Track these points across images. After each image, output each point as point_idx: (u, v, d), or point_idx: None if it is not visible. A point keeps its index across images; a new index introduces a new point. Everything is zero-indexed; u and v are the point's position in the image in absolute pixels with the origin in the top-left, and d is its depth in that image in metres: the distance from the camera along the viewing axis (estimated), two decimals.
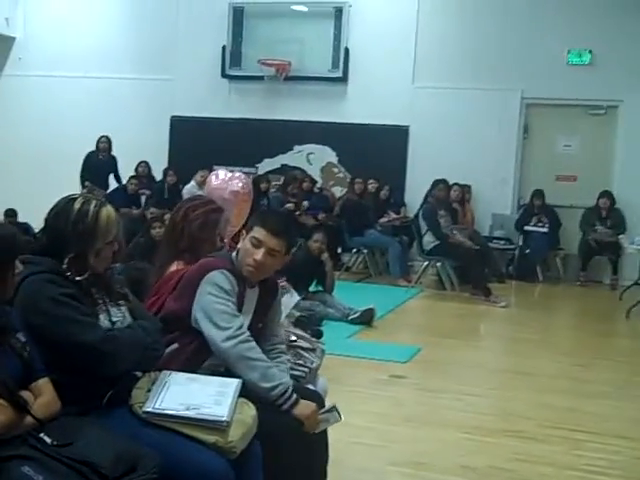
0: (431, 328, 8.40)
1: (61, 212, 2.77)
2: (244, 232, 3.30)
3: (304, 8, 12.78)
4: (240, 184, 6.34)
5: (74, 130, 12.91)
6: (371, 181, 11.88)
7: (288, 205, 11.51)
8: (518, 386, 6.12)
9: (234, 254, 3.29)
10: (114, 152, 12.50)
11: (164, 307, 3.20)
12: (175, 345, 3.05)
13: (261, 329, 3.29)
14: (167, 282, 3.40)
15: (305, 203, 11.84)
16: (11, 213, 10.19)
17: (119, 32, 13.37)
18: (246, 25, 13.05)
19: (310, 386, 3.39)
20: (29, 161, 13.24)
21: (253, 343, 3.09)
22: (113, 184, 12.56)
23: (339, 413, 3.19)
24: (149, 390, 2.77)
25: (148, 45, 13.17)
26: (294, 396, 3.10)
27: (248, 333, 3.10)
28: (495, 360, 7.28)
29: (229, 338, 3.03)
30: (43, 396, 2.46)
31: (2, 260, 2.42)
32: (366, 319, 7.93)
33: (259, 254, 3.17)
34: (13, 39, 13.63)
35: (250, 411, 2.83)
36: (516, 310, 9.59)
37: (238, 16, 12.98)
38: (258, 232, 3.19)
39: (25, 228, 7.71)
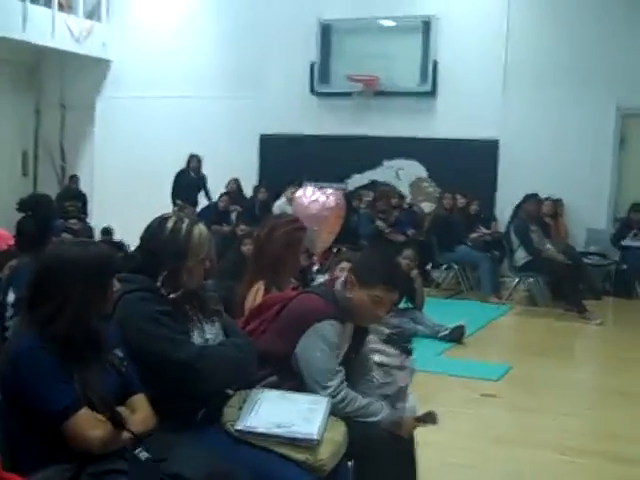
0: (523, 346, 8.25)
1: (154, 231, 2.85)
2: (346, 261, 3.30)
3: (392, 23, 12.79)
4: (334, 200, 6.38)
5: (166, 149, 13.22)
6: (460, 196, 11.76)
7: (378, 223, 11.49)
8: (616, 406, 5.93)
9: (338, 286, 3.26)
10: (204, 170, 12.74)
11: (264, 340, 3.16)
12: (274, 378, 3.07)
13: (355, 358, 3.30)
14: (268, 308, 3.34)
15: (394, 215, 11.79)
16: (107, 232, 10.48)
17: (209, 53, 13.65)
18: (334, 41, 13.15)
19: (399, 404, 3.38)
20: (125, 180, 13.62)
21: (349, 396, 3.06)
22: (202, 202, 12.78)
23: (435, 417, 3.25)
24: (240, 408, 2.81)
25: (237, 64, 13.40)
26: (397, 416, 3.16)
27: (345, 390, 3.07)
28: (590, 379, 7.09)
29: (329, 396, 3.01)
30: (139, 412, 2.52)
31: (100, 278, 2.50)
32: (456, 336, 7.84)
33: (383, 311, 3.20)
34: (109, 62, 14.08)
35: (340, 429, 2.84)
36: (612, 328, 9.31)
37: (326, 32, 13.08)
38: (380, 291, 3.14)
39: (121, 247, 7.90)
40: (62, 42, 12.65)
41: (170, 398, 2.65)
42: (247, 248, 7.36)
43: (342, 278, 3.32)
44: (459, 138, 12.27)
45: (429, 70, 12.56)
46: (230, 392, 2.89)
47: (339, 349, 3.14)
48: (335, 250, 8.38)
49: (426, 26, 12.57)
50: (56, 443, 2.34)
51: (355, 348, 3.29)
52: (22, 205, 5.00)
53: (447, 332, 7.84)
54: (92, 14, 13.58)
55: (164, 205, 10.25)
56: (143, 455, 2.35)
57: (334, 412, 2.96)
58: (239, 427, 2.72)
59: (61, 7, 12.66)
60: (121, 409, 2.46)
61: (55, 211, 6.89)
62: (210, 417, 2.77)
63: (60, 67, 13.99)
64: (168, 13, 13.88)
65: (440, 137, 12.41)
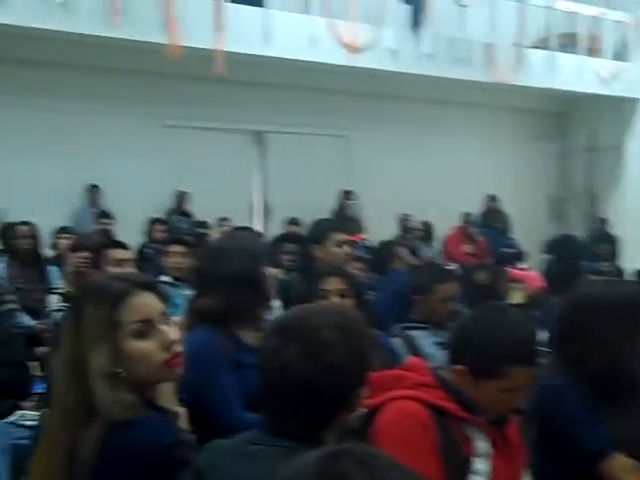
0: None
1: None
2: None
3: None
4: None
5: None
6: None
7: None
8: None
9: None
10: None
11: None
12: None
13: None
14: None
15: None
16: None
17: None
18: None
19: None
20: None
21: None
22: None
23: None
24: None
25: None
26: None
27: None
28: None
29: None
30: None
31: (632, 318, 2.36)
32: None
33: None
34: (637, 101, 13.63)
35: None
36: None
37: None
38: None
39: None
40: (589, 86, 12.64)
41: None
42: None
43: None
44: None
45: None
46: None
47: None
48: None
49: None
50: None
51: None
52: (548, 247, 5.09)
53: None
54: (619, 55, 13.34)
55: None
56: None
57: None
58: None
59: (590, 52, 12.68)
60: None
61: (583, 252, 6.84)
62: None
63: (585, 111, 13.96)
64: None
65: None
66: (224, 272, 2.65)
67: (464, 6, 10.56)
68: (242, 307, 2.64)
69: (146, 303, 1.79)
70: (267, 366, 1.66)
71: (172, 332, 1.81)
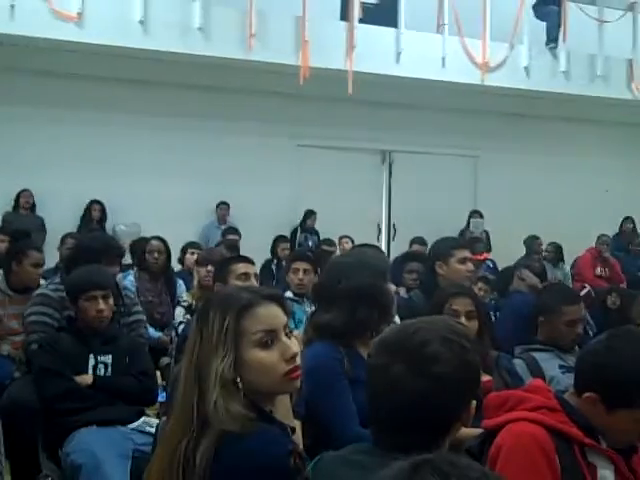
0: None
1: None
2: None
3: None
4: None
5: None
6: None
7: None
8: None
9: None
10: None
11: None
12: None
13: None
14: None
15: None
16: None
17: None
18: None
19: None
20: None
21: None
22: None
23: None
24: None
25: None
26: None
27: None
28: None
29: None
30: None
31: None
32: None
33: None
34: None
35: None
36: None
37: None
38: None
39: None
40: None
41: None
42: None
43: None
44: None
45: None
46: None
47: None
48: None
49: None
50: None
51: None
52: None
53: None
54: None
55: None
56: None
57: None
58: None
59: None
60: None
61: None
62: None
63: None
64: None
65: None
66: (345, 287, 2.64)
67: (603, 21, 10.25)
68: (363, 322, 2.62)
69: (271, 314, 1.80)
70: (376, 383, 1.65)
71: (294, 344, 1.82)
